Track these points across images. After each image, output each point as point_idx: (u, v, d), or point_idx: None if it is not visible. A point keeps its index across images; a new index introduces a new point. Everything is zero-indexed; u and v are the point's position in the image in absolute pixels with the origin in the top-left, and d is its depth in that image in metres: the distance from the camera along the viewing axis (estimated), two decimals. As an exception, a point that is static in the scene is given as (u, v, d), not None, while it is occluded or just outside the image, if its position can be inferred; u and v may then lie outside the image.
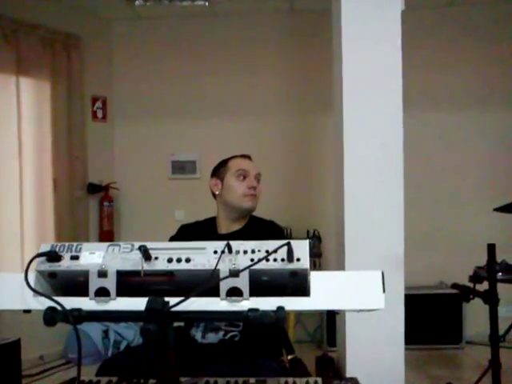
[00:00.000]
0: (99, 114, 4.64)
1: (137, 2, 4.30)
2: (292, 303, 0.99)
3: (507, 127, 4.53)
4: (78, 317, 0.97)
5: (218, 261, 1.00)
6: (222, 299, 0.99)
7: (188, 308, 0.96)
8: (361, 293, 1.00)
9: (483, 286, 2.66)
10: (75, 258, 1.05)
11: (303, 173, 4.67)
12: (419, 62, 4.33)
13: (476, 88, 4.54)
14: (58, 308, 0.97)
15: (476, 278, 2.72)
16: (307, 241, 1.01)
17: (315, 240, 4.40)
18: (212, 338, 1.87)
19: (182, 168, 4.73)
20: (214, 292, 0.99)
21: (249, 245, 1.02)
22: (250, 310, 0.94)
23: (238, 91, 4.68)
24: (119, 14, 4.65)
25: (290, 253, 0.99)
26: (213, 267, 1.00)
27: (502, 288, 2.62)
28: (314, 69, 4.54)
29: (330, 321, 3.96)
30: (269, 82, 4.70)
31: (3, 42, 3.89)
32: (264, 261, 0.99)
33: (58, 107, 4.21)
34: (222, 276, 0.99)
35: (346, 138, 2.85)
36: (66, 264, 1.04)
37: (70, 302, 0.99)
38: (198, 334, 1.89)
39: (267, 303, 0.97)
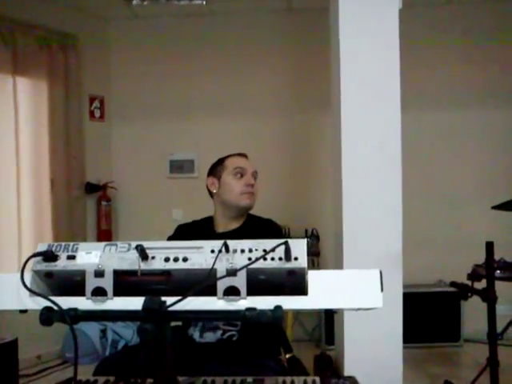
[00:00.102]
0: (97, 113, 4.63)
1: (134, 1, 4.29)
2: (290, 302, 0.98)
3: (506, 126, 4.53)
4: (75, 316, 0.97)
5: (215, 260, 1.00)
6: (219, 298, 0.99)
7: (185, 307, 0.96)
8: (359, 292, 1.00)
9: (481, 284, 2.66)
10: (72, 257, 1.04)
11: (301, 172, 4.67)
12: (417, 60, 4.32)
13: (474, 87, 4.54)
14: (55, 308, 0.97)
15: (474, 276, 2.72)
16: (305, 240, 1.01)
17: (313, 239, 4.40)
18: (210, 337, 1.87)
19: (180, 167, 4.72)
20: (211, 291, 0.98)
21: (246, 244, 1.02)
22: (248, 309, 0.94)
23: (236, 90, 4.67)
24: (116, 14, 4.63)
25: (287, 252, 0.98)
26: (210, 266, 0.99)
27: (500, 286, 2.62)
28: (312, 67, 4.53)
29: (329, 320, 3.96)
30: (267, 81, 4.69)
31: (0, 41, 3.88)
32: (261, 260, 0.98)
33: (56, 107, 4.20)
34: (219, 275, 0.98)
35: (344, 137, 2.85)
36: (62, 264, 1.04)
37: (67, 302, 0.99)
38: (195, 334, 1.89)
39: (265, 302, 0.97)
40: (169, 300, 0.94)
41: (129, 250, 1.04)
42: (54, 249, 1.05)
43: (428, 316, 4.17)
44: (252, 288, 0.98)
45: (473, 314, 3.96)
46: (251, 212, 2.07)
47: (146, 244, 1.03)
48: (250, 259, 0.99)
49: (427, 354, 4.02)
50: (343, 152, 2.84)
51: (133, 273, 1.02)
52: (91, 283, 1.02)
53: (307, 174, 4.66)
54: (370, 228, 2.80)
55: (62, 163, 4.23)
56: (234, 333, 1.86)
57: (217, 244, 1.02)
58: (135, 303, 0.94)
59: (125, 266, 1.02)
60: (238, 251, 1.01)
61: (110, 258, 1.03)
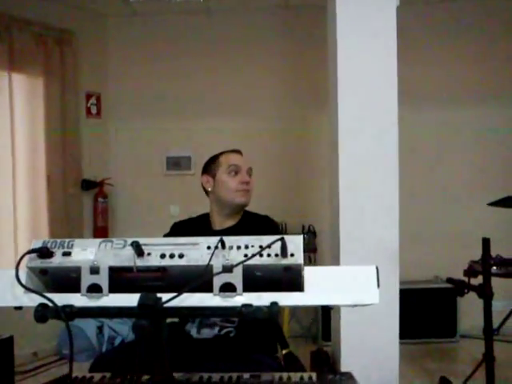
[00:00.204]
0: (93, 110, 4.61)
1: (132, -2, 4.27)
2: (286, 298, 0.98)
3: (502, 123, 4.54)
4: (70, 313, 0.97)
5: (211, 256, 0.99)
6: (215, 295, 0.98)
7: (181, 304, 0.95)
8: (355, 288, 1.00)
9: (478, 280, 2.67)
10: (67, 254, 1.04)
11: (298, 168, 4.67)
12: (414, 57, 4.32)
13: (471, 84, 4.54)
14: (50, 304, 0.96)
15: (471, 272, 2.73)
16: (301, 236, 1.01)
17: (310, 235, 4.41)
18: (207, 333, 1.87)
19: (177, 164, 4.72)
20: (207, 288, 0.98)
21: (242, 240, 1.02)
22: (244, 305, 0.94)
23: (233, 88, 4.66)
24: (114, 10, 4.61)
25: (283, 248, 0.98)
26: (206, 263, 0.99)
27: (496, 282, 2.63)
28: (309, 65, 4.53)
29: (325, 316, 3.97)
30: (264, 78, 4.68)
31: (-4, 37, 3.87)
32: (258, 256, 0.98)
33: (52, 104, 4.18)
34: (215, 271, 0.98)
35: (341, 134, 2.84)
36: (57, 260, 1.04)
37: (62, 299, 0.99)
38: (193, 330, 1.89)
39: (261, 299, 0.96)
40: (164, 296, 0.93)
41: (124, 246, 1.03)
42: (49, 245, 1.05)
43: (424, 312, 4.18)
44: (248, 284, 0.98)
45: (469, 309, 3.97)
46: (247, 209, 2.07)
47: (141, 240, 1.02)
48: (246, 255, 0.99)
49: (424, 349, 4.03)
50: (340, 149, 2.84)
51: (128, 269, 1.02)
52: (86, 280, 1.02)
53: (304, 171, 4.66)
54: (366, 224, 2.80)
55: (59, 160, 4.22)
56: (231, 329, 1.86)
57: (213, 240, 1.02)
58: (131, 300, 0.94)
59: (120, 262, 1.02)
60: (234, 247, 1.01)
61: (105, 255, 1.03)
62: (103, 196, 4.54)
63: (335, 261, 2.92)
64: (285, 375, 1.22)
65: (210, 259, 0.99)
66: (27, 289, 1.00)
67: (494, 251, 2.65)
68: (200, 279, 0.96)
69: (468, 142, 4.55)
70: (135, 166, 4.73)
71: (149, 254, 1.02)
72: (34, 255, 1.04)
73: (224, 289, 0.98)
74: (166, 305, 0.93)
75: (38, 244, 1.05)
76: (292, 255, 0.98)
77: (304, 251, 0.99)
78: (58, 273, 1.04)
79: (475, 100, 4.54)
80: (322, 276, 1.01)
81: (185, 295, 0.94)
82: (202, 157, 2.19)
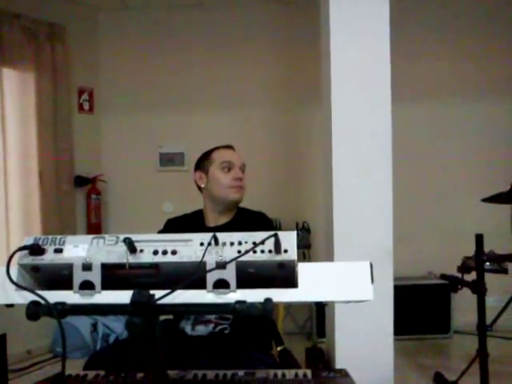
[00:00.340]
0: (85, 105, 4.59)
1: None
2: (280, 295, 0.98)
3: (495, 119, 4.55)
4: (62, 311, 0.95)
5: (205, 253, 0.99)
6: (208, 291, 0.98)
7: (174, 301, 0.95)
8: (349, 284, 0.99)
9: (471, 276, 2.67)
10: (59, 251, 1.03)
11: (292, 165, 4.67)
12: (408, 53, 4.32)
13: (465, 79, 4.55)
14: (42, 302, 0.95)
15: (464, 268, 2.73)
16: (294, 232, 1.00)
17: (304, 232, 4.41)
18: (202, 330, 1.86)
19: (170, 160, 4.70)
20: (200, 284, 0.97)
21: (236, 236, 1.01)
22: (238, 302, 0.93)
23: (226, 83, 4.64)
24: (106, 4, 4.58)
25: (277, 244, 0.98)
26: (199, 259, 0.98)
27: (489, 278, 2.64)
28: (303, 60, 4.52)
29: (320, 312, 3.97)
30: (257, 73, 4.67)
31: (-16, 32, 3.83)
32: (251, 252, 0.98)
33: (43, 99, 4.14)
34: (208, 268, 0.97)
35: (335, 130, 2.84)
36: (49, 257, 1.03)
37: (54, 296, 0.97)
38: (187, 327, 1.88)
39: (255, 295, 0.96)
40: (157, 293, 0.92)
41: (117, 243, 1.02)
42: (40, 242, 1.04)
43: (418, 308, 4.19)
44: (242, 281, 0.98)
45: (463, 305, 3.99)
46: (241, 205, 2.06)
47: (134, 237, 1.01)
48: (239, 252, 0.98)
49: (418, 345, 4.04)
50: (333, 145, 2.83)
51: (121, 266, 1.01)
52: (79, 277, 1.01)
53: (298, 167, 4.65)
54: (360, 220, 2.80)
55: (51, 156, 4.19)
56: (225, 326, 1.85)
57: (206, 237, 1.01)
58: (123, 297, 0.93)
59: (113, 259, 1.01)
60: (228, 244, 1.00)
61: (97, 252, 1.02)
62: (96, 193, 4.52)
63: (329, 257, 2.92)
64: (279, 372, 1.22)
65: (203, 256, 0.98)
66: (18, 286, 0.99)
67: (487, 247, 2.66)
68: (193, 276, 0.95)
69: (462, 138, 4.56)
70: (128, 162, 4.71)
71: (141, 251, 1.01)
72: (25, 252, 1.03)
73: (217, 285, 0.98)
74: (159, 302, 0.92)
75: (29, 241, 1.04)
76: (286, 251, 0.98)
77: (298, 248, 0.99)
78: (50, 270, 1.03)
79: (470, 95, 4.56)
80: (316, 272, 1.00)
81: (178, 292, 0.94)
82: (196, 153, 2.18)
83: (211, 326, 1.86)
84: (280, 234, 0.99)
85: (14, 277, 0.99)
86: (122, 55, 4.69)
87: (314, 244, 4.41)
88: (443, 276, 2.92)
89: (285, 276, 0.99)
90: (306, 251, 4.36)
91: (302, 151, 4.62)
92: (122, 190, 4.70)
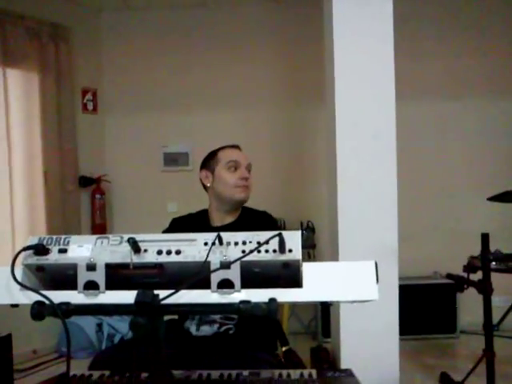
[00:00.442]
0: (89, 106, 4.60)
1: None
2: (284, 295, 0.97)
3: (501, 117, 4.53)
4: (67, 311, 0.95)
5: (209, 252, 0.98)
6: (213, 291, 0.97)
7: (178, 301, 0.94)
8: (354, 284, 0.99)
9: (477, 276, 2.66)
10: (63, 251, 1.03)
11: (296, 164, 4.66)
12: (412, 51, 4.31)
13: (469, 78, 4.53)
14: (46, 302, 0.95)
15: (470, 267, 2.72)
16: (299, 232, 0.99)
17: (309, 231, 4.40)
18: (206, 330, 1.86)
19: (174, 160, 4.70)
20: (204, 284, 0.97)
21: (240, 236, 1.01)
22: (242, 302, 0.92)
23: (230, 82, 4.64)
24: (108, 5, 4.59)
25: (281, 244, 0.97)
26: (203, 259, 0.98)
27: (495, 277, 2.62)
28: (308, 58, 4.50)
29: (325, 312, 3.96)
30: (260, 72, 4.67)
31: (-11, 33, 3.84)
32: (255, 252, 0.97)
33: (47, 99, 4.16)
34: (212, 268, 0.97)
35: (339, 129, 2.83)
36: (53, 257, 1.02)
37: (59, 296, 0.97)
38: (192, 327, 1.88)
39: (259, 295, 0.95)
40: (162, 293, 0.92)
41: (121, 242, 1.02)
42: (45, 242, 1.04)
43: (424, 308, 4.18)
44: (246, 281, 0.97)
45: (469, 305, 3.97)
46: (246, 205, 2.05)
47: (138, 237, 1.01)
48: (243, 252, 0.98)
49: (424, 345, 4.03)
50: (338, 144, 2.83)
51: (125, 266, 1.00)
52: (83, 277, 1.01)
53: (302, 167, 4.65)
54: (365, 220, 2.79)
55: (55, 156, 4.20)
56: (230, 326, 1.85)
57: (210, 236, 1.01)
58: (128, 297, 0.93)
59: (117, 259, 1.01)
60: (232, 244, 1.00)
61: (101, 252, 1.02)
62: (100, 193, 4.53)
63: (334, 257, 2.91)
64: (284, 372, 1.22)
65: (208, 255, 0.98)
66: (23, 286, 0.99)
67: (494, 246, 2.65)
68: (197, 276, 0.95)
69: (467, 136, 4.54)
70: (132, 162, 4.72)
71: (145, 251, 1.01)
72: (30, 252, 1.03)
73: (222, 285, 0.97)
74: (163, 302, 0.92)
75: (33, 241, 1.04)
76: (290, 251, 0.97)
77: (303, 247, 0.98)
78: (55, 270, 1.03)
79: (474, 94, 4.54)
80: (321, 272, 1.00)
81: (182, 292, 0.93)
82: (200, 153, 2.18)
83: (216, 326, 1.85)
84: (284, 233, 0.98)
85: (18, 277, 0.99)
86: (125, 55, 4.70)
87: (318, 243, 4.40)
88: (449, 275, 2.91)
89: (289, 276, 0.99)
90: (311, 251, 4.35)
91: (306, 151, 4.62)
92: (127, 190, 4.70)
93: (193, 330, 1.87)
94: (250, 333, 1.80)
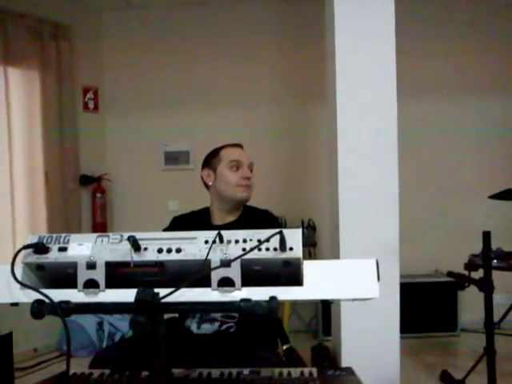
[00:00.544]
0: (91, 104, 4.59)
1: (127, -9, 4.24)
2: (285, 293, 0.97)
3: (502, 115, 4.52)
4: (67, 309, 0.95)
5: (209, 251, 0.98)
6: (213, 290, 0.97)
7: (179, 299, 0.94)
8: (355, 282, 0.98)
9: (478, 274, 2.66)
10: (63, 249, 1.03)
11: (297, 163, 4.65)
12: (413, 50, 4.30)
13: (471, 76, 4.52)
14: (46, 301, 0.95)
15: (471, 265, 2.72)
16: (300, 229, 0.99)
17: (310, 229, 4.39)
18: (207, 328, 1.86)
19: (175, 159, 4.70)
20: (205, 282, 0.97)
21: (240, 234, 1.00)
22: (242, 300, 0.92)
23: (231, 81, 4.64)
24: (109, 3, 4.58)
25: (282, 242, 0.97)
26: (204, 257, 0.98)
27: (496, 275, 2.62)
28: (309, 57, 4.50)
29: (326, 310, 3.96)
30: (262, 71, 4.66)
31: (-10, 32, 3.84)
32: (256, 250, 0.97)
33: (48, 98, 4.16)
34: (213, 266, 0.97)
35: (340, 128, 2.83)
36: (53, 256, 1.02)
37: (59, 295, 0.97)
38: (193, 325, 1.88)
39: (260, 293, 0.95)
40: (162, 292, 0.92)
41: (121, 241, 1.02)
42: (44, 241, 1.03)
43: (425, 306, 4.18)
44: (247, 279, 0.97)
45: (470, 303, 3.97)
46: (247, 203, 2.05)
47: (138, 235, 1.01)
48: (244, 250, 0.97)
49: (424, 343, 4.03)
50: (339, 142, 2.82)
51: (125, 264, 1.00)
52: (83, 275, 1.00)
53: (303, 165, 4.64)
54: (366, 218, 2.79)
55: (56, 155, 4.20)
56: (231, 324, 1.85)
57: (211, 235, 1.00)
58: (128, 295, 0.93)
59: (117, 257, 1.00)
60: (233, 242, 0.99)
61: (101, 250, 1.01)
62: (101, 191, 4.53)
63: (335, 255, 2.91)
64: (285, 371, 1.22)
65: (208, 253, 0.98)
66: (23, 285, 0.98)
67: (495, 244, 2.64)
68: (198, 274, 0.95)
69: (468, 135, 4.54)
70: (133, 161, 4.71)
71: (145, 249, 1.00)
72: (29, 251, 1.02)
73: (222, 283, 0.97)
74: (163, 300, 0.91)
75: (33, 239, 1.04)
76: (291, 249, 0.97)
77: (304, 245, 0.98)
78: (55, 268, 1.03)
79: (475, 92, 4.53)
80: (322, 270, 0.99)
81: (182, 290, 0.93)
82: (201, 151, 2.17)
83: (217, 324, 1.85)
84: (285, 231, 0.98)
85: (18, 275, 0.99)
86: (126, 54, 4.69)
87: (319, 242, 4.40)
88: (450, 274, 2.91)
89: (290, 274, 0.99)
90: (312, 249, 4.35)
91: (308, 149, 4.61)
92: (127, 188, 4.70)
93: (193, 328, 1.87)
94: (250, 331, 1.80)
